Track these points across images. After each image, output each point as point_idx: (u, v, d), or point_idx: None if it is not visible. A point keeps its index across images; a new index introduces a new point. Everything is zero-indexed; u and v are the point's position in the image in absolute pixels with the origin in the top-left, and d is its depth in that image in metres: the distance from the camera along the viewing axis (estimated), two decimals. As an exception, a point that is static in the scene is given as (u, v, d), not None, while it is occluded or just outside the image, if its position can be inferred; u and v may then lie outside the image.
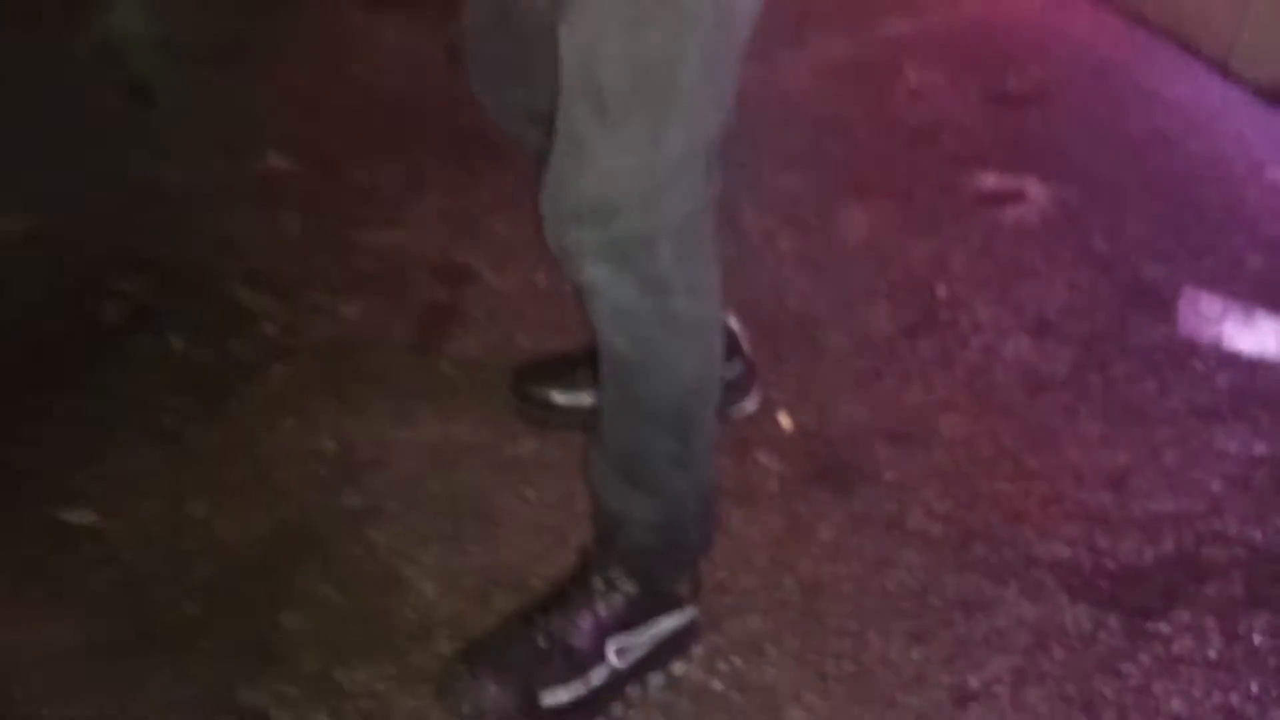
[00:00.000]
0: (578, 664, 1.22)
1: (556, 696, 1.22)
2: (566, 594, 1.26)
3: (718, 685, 1.30)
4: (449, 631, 1.35)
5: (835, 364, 1.70)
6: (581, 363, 1.57)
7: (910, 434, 1.59)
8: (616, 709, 1.25)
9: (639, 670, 1.26)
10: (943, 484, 1.52)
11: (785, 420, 1.62)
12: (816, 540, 1.46)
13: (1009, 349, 1.71)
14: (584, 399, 1.55)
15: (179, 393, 1.67)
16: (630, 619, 1.24)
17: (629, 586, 1.24)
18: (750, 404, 1.60)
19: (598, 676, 1.23)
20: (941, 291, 1.81)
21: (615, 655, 1.23)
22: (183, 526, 1.49)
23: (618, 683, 1.24)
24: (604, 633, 1.23)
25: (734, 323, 1.55)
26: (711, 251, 1.10)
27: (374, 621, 1.37)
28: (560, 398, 1.57)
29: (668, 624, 1.27)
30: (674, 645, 1.29)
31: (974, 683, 1.29)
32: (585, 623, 1.23)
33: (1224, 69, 2.25)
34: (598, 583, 1.24)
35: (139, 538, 1.48)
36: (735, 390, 1.55)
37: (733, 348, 1.53)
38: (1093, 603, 1.37)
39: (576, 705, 1.23)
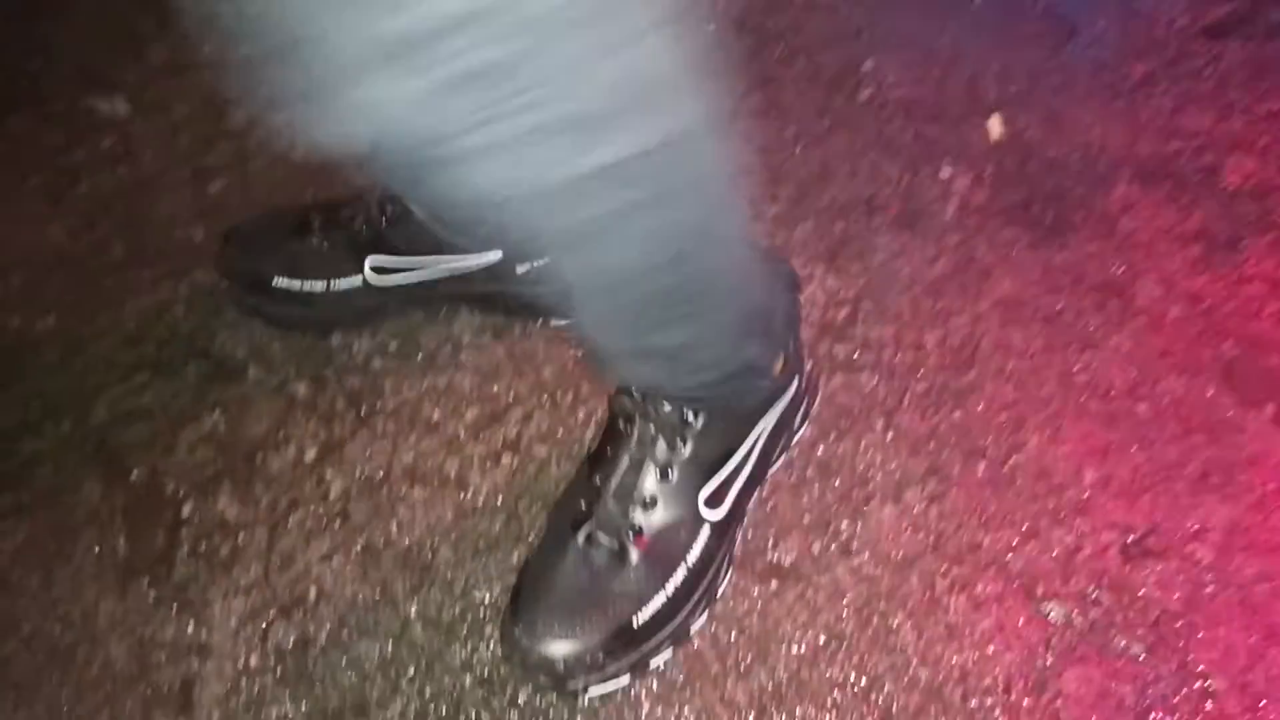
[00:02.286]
0: (671, 553, 0.82)
1: (652, 611, 0.81)
2: (614, 458, 0.83)
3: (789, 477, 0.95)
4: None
5: (1091, 61, 1.20)
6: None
7: (1173, 171, 1.10)
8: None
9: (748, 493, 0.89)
10: (1203, 249, 1.04)
11: (996, 125, 1.16)
12: (989, 292, 1.04)
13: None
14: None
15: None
16: (713, 451, 0.84)
17: (695, 420, 0.83)
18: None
19: (699, 547, 0.83)
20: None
21: (707, 507, 0.84)
22: (215, 138, 1.24)
23: (729, 530, 0.86)
24: (690, 488, 0.83)
25: None
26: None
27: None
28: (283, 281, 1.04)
29: (761, 428, 0.87)
30: (779, 435, 0.90)
31: (1173, 529, 0.88)
32: (656, 488, 0.82)
33: None
34: (650, 430, 0.82)
35: (166, 141, 1.24)
36: None
37: None
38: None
39: (689, 590, 0.83)
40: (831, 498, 0.92)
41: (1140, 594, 0.85)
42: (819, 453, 0.95)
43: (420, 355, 1.04)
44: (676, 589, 0.82)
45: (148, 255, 1.14)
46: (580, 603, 0.80)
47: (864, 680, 0.83)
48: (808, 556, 0.89)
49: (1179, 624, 0.83)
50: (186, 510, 0.95)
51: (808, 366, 0.94)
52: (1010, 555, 0.88)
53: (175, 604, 0.89)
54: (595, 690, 0.81)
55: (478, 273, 1.02)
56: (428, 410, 1.00)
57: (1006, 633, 0.84)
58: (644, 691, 0.83)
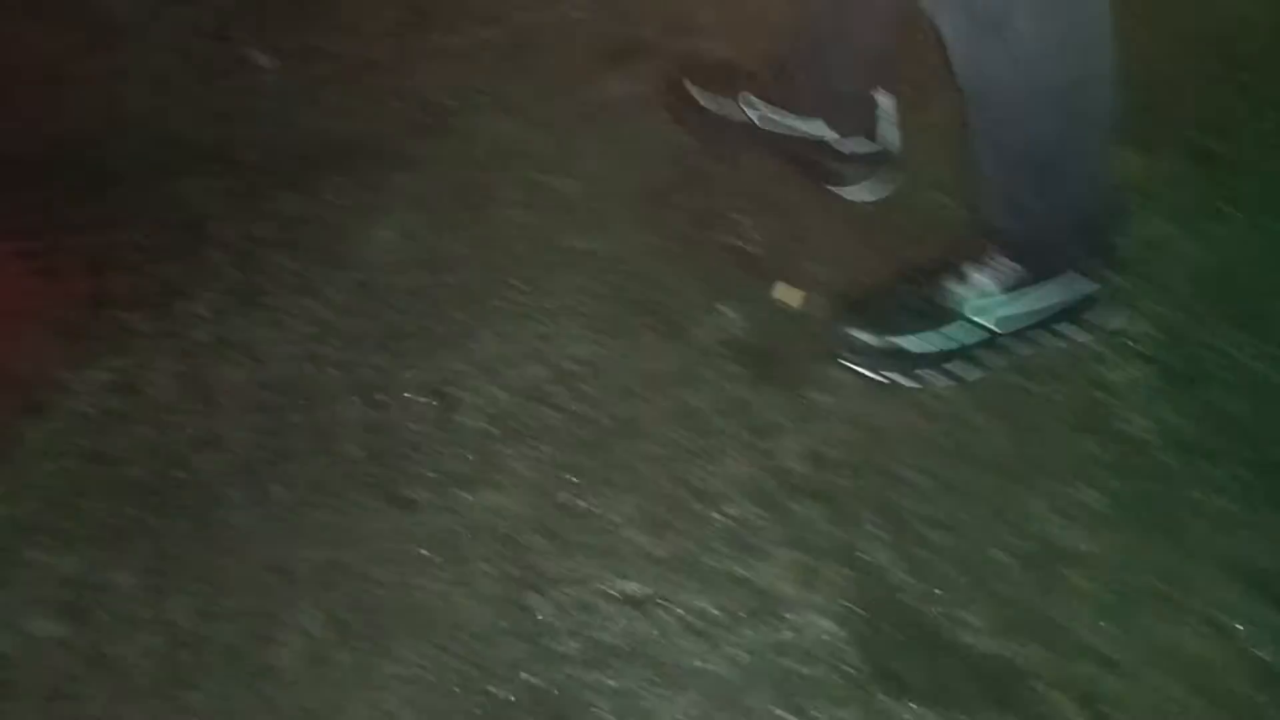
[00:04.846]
0: (936, 319, 1.30)
1: (916, 344, 1.31)
2: (944, 257, 1.32)
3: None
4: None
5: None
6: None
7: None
8: (987, 361, 1.33)
9: (1014, 331, 1.32)
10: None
11: (793, 294, 1.43)
12: (669, 396, 1.33)
13: None
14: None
15: None
16: (999, 286, 1.28)
17: (1000, 263, 1.28)
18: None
19: (957, 333, 1.30)
20: None
21: (976, 314, 1.29)
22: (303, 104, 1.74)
23: (979, 341, 1.31)
24: (967, 296, 1.29)
25: None
26: None
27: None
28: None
29: (1046, 293, 1.29)
30: (1060, 313, 1.32)
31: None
32: (951, 284, 1.30)
33: None
34: (969, 251, 1.29)
35: (279, 91, 1.76)
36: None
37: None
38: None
39: (936, 355, 1.31)
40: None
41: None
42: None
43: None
44: (935, 350, 1.31)
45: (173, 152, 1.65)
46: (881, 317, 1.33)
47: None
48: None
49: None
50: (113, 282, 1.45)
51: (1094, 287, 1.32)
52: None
53: (107, 345, 1.39)
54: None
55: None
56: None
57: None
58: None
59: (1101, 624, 1.13)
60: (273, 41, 1.85)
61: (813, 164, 1.54)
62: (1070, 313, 1.32)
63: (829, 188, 1.53)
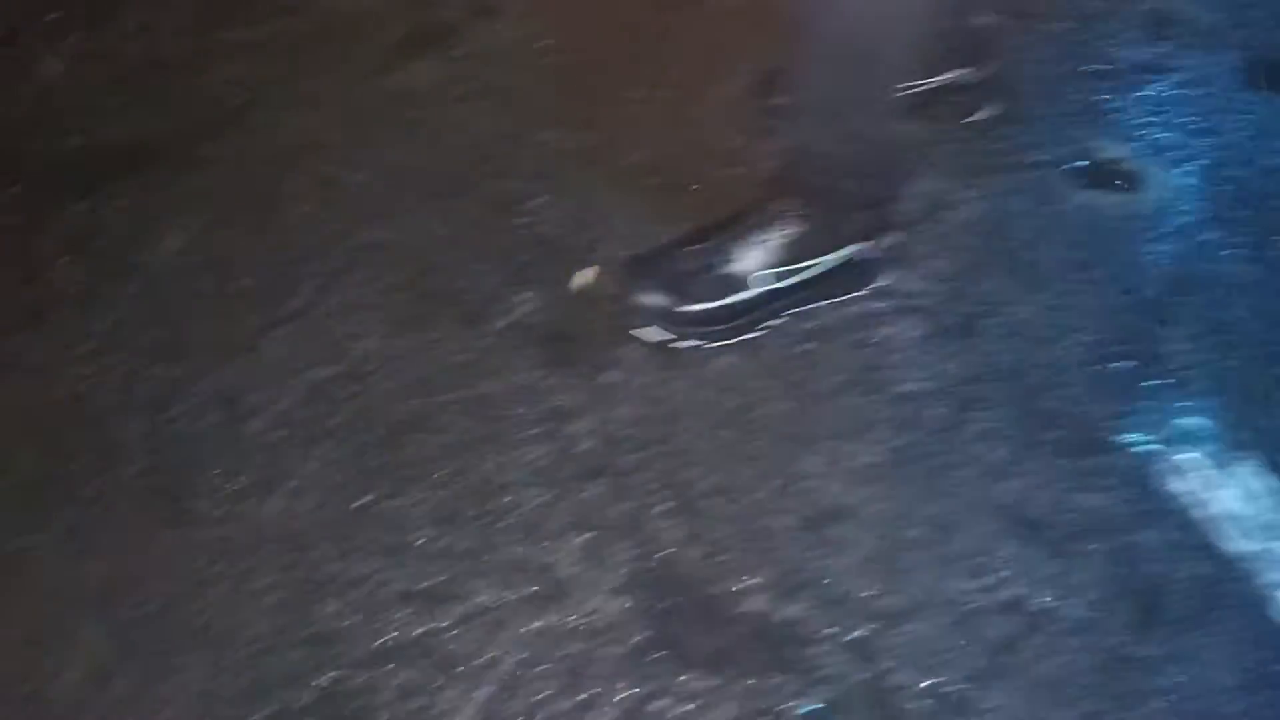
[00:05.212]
0: (721, 285, 1.31)
1: (702, 308, 1.32)
2: (730, 222, 1.34)
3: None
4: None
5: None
6: None
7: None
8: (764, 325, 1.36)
9: (791, 296, 1.34)
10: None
11: (586, 276, 1.44)
12: (467, 387, 1.33)
13: None
14: None
15: None
16: (785, 254, 1.31)
17: (789, 221, 1.29)
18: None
19: (740, 297, 1.32)
20: None
21: (759, 281, 1.31)
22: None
23: (762, 304, 1.33)
24: (753, 262, 1.31)
25: None
26: None
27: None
28: None
29: (828, 260, 1.32)
30: (836, 280, 1.35)
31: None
32: (735, 249, 1.31)
33: None
34: (759, 216, 1.31)
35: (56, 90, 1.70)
36: None
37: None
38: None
39: (715, 316, 1.33)
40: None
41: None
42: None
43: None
44: (716, 311, 1.32)
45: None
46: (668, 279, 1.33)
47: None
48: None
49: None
50: None
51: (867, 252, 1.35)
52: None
53: None
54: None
55: None
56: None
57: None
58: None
59: (876, 579, 1.16)
60: (62, 44, 1.80)
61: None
62: (849, 275, 1.35)
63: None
